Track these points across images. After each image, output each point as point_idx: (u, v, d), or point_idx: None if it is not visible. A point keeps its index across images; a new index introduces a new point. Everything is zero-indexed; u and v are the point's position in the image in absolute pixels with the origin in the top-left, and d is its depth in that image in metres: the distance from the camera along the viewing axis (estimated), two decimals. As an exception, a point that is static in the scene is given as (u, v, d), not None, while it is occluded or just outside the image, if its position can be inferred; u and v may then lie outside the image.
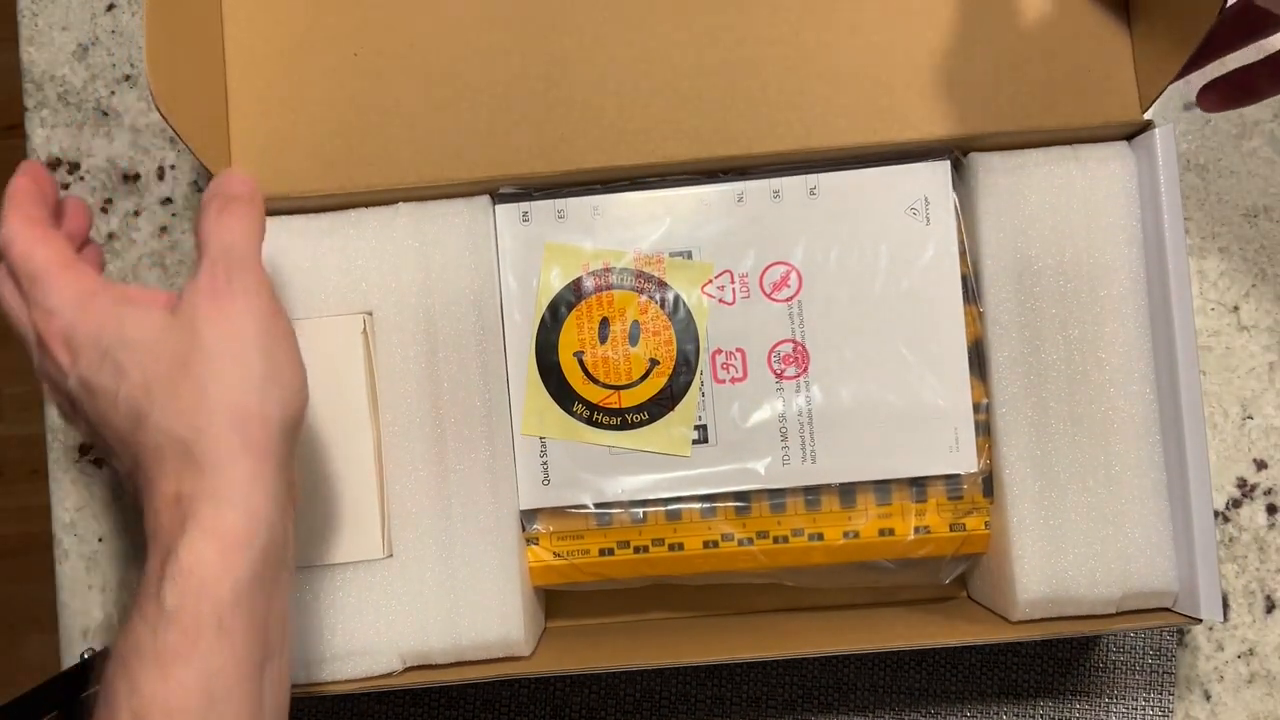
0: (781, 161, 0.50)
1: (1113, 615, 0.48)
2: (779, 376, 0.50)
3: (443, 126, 0.50)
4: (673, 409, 0.50)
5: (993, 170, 0.49)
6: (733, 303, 0.50)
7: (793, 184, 0.50)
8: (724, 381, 0.50)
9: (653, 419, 0.50)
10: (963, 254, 0.50)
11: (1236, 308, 0.56)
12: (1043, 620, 0.48)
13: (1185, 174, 0.56)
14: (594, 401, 0.50)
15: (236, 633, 0.34)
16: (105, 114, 0.58)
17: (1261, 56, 0.45)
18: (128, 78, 0.58)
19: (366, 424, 0.49)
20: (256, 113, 0.50)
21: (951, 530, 0.50)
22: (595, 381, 0.50)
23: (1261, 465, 0.56)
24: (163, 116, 0.44)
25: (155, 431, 0.36)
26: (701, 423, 0.50)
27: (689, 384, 0.50)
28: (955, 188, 0.50)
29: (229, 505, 0.35)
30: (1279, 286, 0.56)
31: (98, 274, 0.40)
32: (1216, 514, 0.55)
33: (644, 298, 0.50)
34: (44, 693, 0.51)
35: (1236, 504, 0.56)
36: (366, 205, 0.50)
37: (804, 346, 0.50)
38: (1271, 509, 0.56)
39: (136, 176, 0.58)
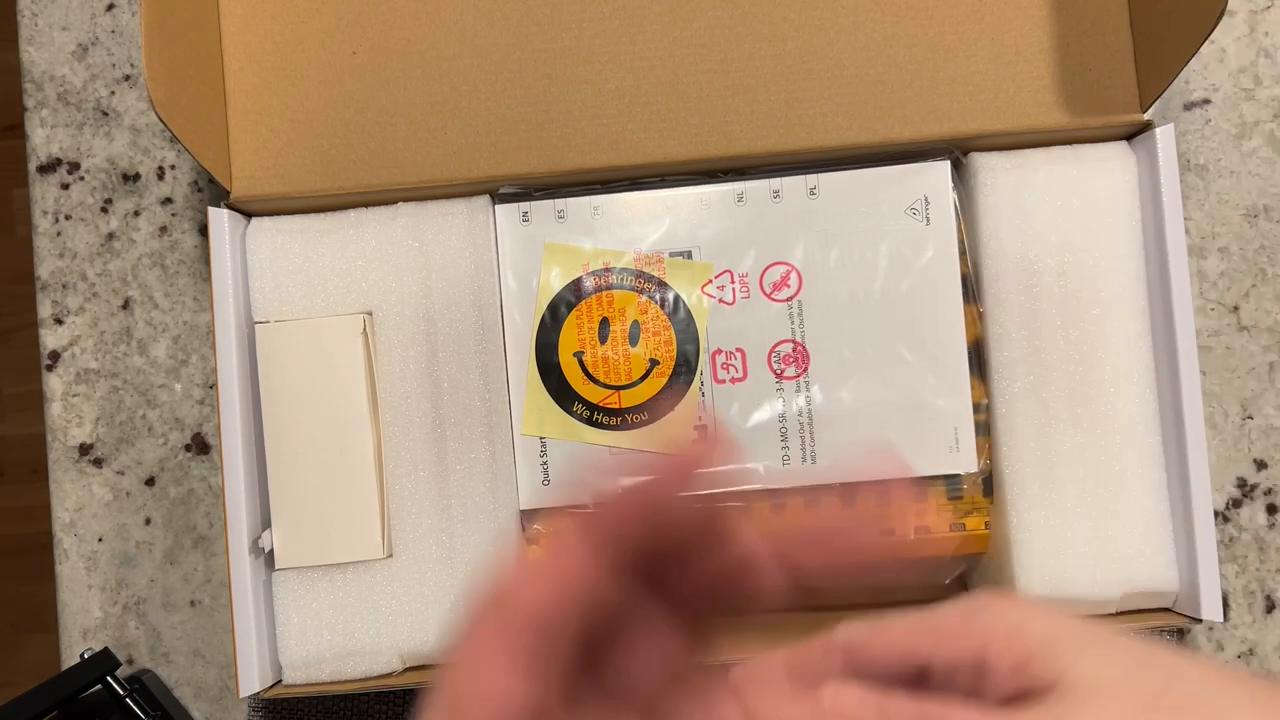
0: (781, 161, 0.50)
1: (1113, 615, 0.48)
2: (779, 376, 0.50)
3: (442, 126, 0.50)
4: (673, 409, 0.50)
5: (993, 170, 0.49)
6: (733, 303, 0.50)
7: (793, 184, 0.50)
8: (724, 381, 0.50)
9: (653, 419, 0.50)
10: (963, 254, 0.50)
11: (1236, 308, 0.56)
12: (1043, 620, 0.48)
13: (1185, 174, 0.56)
14: (594, 401, 0.50)
15: None
16: (105, 114, 0.58)
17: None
18: (127, 78, 0.58)
19: (366, 424, 0.49)
20: (255, 113, 0.50)
21: (951, 530, 0.50)
22: (595, 381, 0.50)
23: (1261, 465, 0.56)
24: (162, 122, 0.44)
25: None
26: (701, 423, 0.50)
27: (689, 384, 0.50)
28: (955, 188, 0.50)
29: None
30: (1279, 286, 0.56)
31: None
32: (1216, 514, 0.55)
33: (644, 298, 0.50)
34: (44, 693, 0.51)
35: (1236, 504, 0.56)
36: (366, 205, 0.51)
37: (804, 346, 0.50)
38: (1271, 509, 0.56)
39: (136, 176, 0.58)
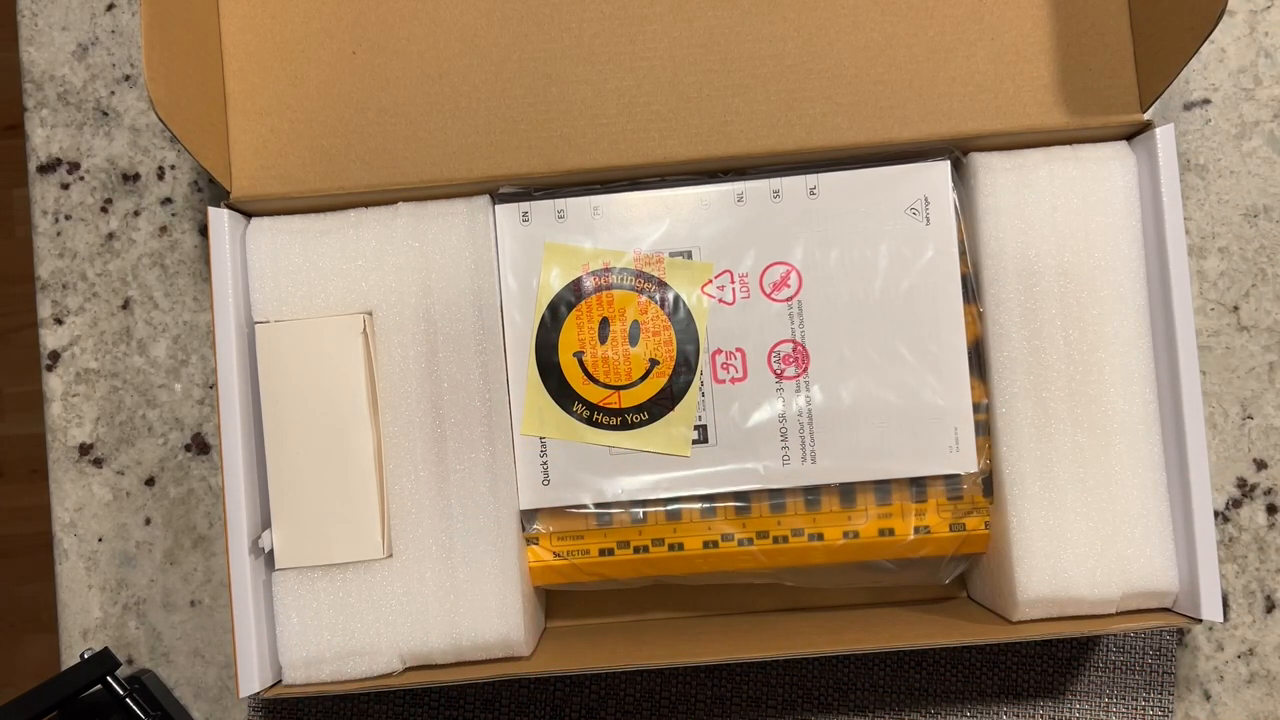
0: (781, 161, 0.50)
1: (1113, 615, 0.48)
2: (779, 376, 0.50)
3: (442, 126, 0.50)
4: (673, 409, 0.50)
5: (993, 170, 0.49)
6: (733, 303, 0.50)
7: (793, 184, 0.50)
8: (724, 381, 0.50)
9: (653, 419, 0.50)
10: (963, 254, 0.50)
11: (1236, 308, 0.56)
12: (1043, 620, 0.48)
13: (1185, 174, 0.56)
14: (594, 401, 0.50)
15: None
16: (105, 114, 0.58)
17: None
18: (127, 78, 0.58)
19: (366, 424, 0.49)
20: (255, 113, 0.50)
21: (951, 530, 0.50)
22: (595, 381, 0.50)
23: (1261, 465, 0.56)
24: (162, 122, 0.44)
25: None
26: (701, 423, 0.50)
27: (689, 384, 0.50)
28: (955, 188, 0.50)
29: None
30: (1279, 286, 0.56)
31: None
32: (1216, 514, 0.55)
33: (644, 298, 0.50)
34: (44, 693, 0.51)
35: (1236, 504, 0.56)
36: (366, 205, 0.51)
37: (804, 346, 0.50)
38: (1271, 509, 0.56)
39: (136, 176, 0.58)
